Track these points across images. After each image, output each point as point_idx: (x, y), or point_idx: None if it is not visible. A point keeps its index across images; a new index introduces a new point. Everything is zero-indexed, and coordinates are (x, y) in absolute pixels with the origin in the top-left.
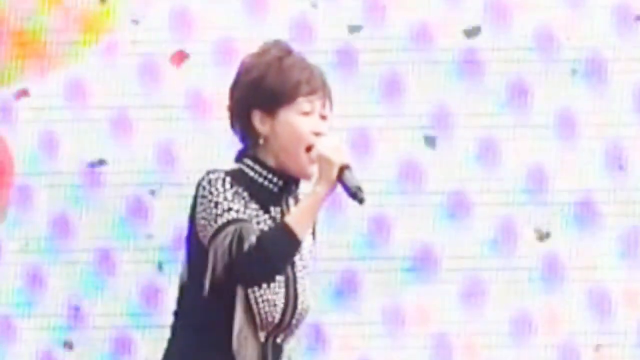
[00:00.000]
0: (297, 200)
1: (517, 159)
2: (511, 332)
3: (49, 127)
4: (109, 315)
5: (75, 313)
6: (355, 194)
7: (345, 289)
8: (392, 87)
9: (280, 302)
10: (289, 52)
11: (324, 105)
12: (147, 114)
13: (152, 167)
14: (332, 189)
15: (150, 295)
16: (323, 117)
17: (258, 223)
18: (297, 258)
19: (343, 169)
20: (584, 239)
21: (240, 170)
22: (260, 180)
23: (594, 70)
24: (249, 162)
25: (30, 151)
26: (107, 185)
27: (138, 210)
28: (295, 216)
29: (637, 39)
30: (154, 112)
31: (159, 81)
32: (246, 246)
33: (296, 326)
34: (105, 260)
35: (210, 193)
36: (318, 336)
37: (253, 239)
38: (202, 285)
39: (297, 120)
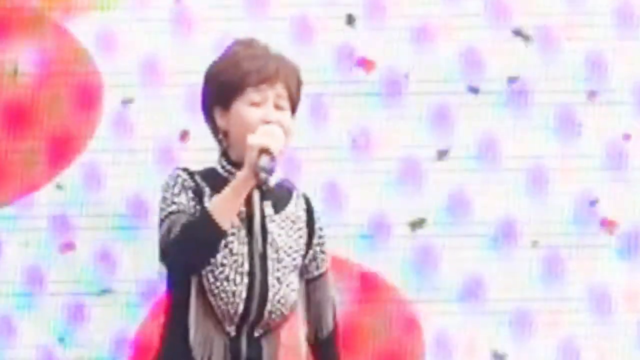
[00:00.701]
0: (261, 191)
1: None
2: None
3: None
4: None
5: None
6: (257, 174)
7: None
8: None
9: (241, 294)
10: (247, 45)
11: (279, 95)
12: None
13: None
14: (254, 173)
15: None
16: (278, 107)
17: None
18: (271, 251)
19: (261, 152)
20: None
21: (211, 168)
22: (225, 174)
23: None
24: (219, 158)
25: None
26: None
27: None
28: (214, 203)
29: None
30: None
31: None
32: (172, 235)
33: (274, 320)
34: None
35: (163, 190)
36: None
37: (178, 228)
38: (169, 288)
39: (246, 110)
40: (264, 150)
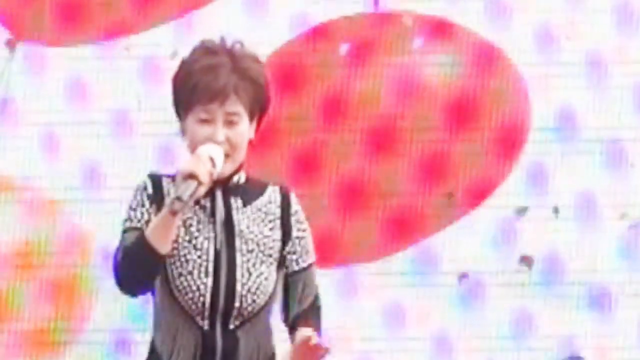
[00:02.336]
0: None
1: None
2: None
3: None
4: None
5: None
6: (172, 200)
7: None
8: None
9: (206, 286)
10: (206, 51)
11: (230, 112)
12: None
13: None
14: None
15: None
16: (230, 123)
17: (194, 212)
18: (239, 243)
19: (185, 177)
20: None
21: None
22: None
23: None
24: None
25: None
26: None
27: None
28: (150, 228)
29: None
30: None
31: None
32: (118, 258)
33: (248, 310)
34: None
35: (131, 197)
36: None
37: (122, 251)
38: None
39: (195, 127)
40: (191, 176)
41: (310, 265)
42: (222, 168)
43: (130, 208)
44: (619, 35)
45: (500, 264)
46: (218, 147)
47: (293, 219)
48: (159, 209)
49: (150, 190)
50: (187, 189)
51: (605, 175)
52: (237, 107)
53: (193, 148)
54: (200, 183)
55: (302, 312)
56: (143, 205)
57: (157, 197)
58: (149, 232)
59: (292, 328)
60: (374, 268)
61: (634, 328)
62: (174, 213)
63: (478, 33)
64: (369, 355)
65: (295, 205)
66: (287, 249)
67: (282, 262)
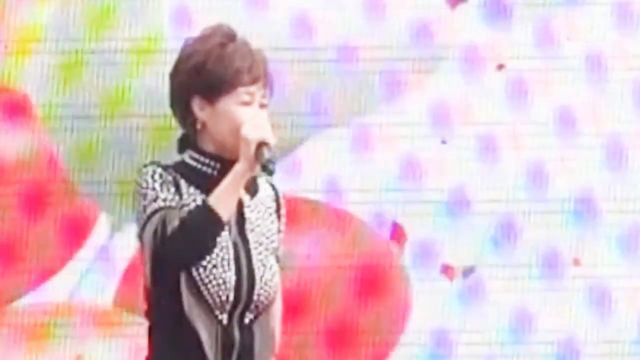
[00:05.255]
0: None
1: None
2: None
3: None
4: None
5: None
6: (265, 166)
7: None
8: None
9: (230, 280)
10: (231, 38)
11: (264, 95)
12: None
13: None
14: (252, 166)
15: None
16: (262, 106)
17: None
18: (252, 236)
19: (260, 145)
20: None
21: (181, 161)
22: (199, 166)
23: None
24: (190, 151)
25: None
26: None
27: None
28: (215, 195)
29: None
30: None
31: None
32: (169, 230)
33: (263, 305)
34: None
35: (140, 186)
36: None
37: (176, 222)
38: (154, 285)
39: (237, 110)
40: (262, 143)
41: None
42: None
43: (155, 190)
44: (619, 35)
45: (501, 259)
46: (266, 120)
47: (282, 211)
48: (179, 192)
49: (165, 174)
50: (269, 153)
51: (604, 171)
52: (267, 91)
53: (230, 129)
54: (271, 148)
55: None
56: (168, 188)
57: (174, 180)
58: (213, 201)
59: None
60: None
61: (634, 322)
62: (271, 172)
63: None
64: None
65: (281, 199)
66: (279, 238)
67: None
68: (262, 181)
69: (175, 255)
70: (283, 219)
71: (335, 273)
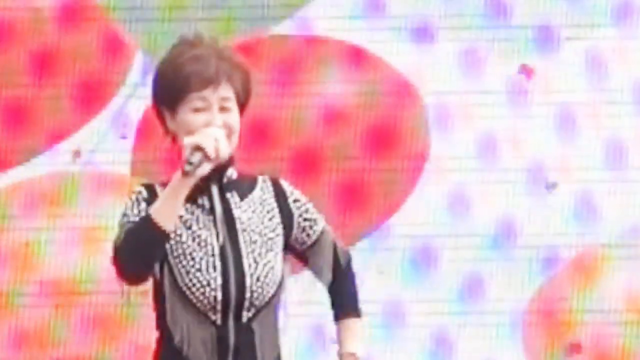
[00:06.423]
0: (221, 187)
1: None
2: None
3: None
4: None
5: None
6: (182, 167)
7: None
8: None
9: (216, 281)
10: (194, 44)
11: (224, 97)
12: None
13: None
14: (181, 168)
15: None
16: (223, 109)
17: (193, 213)
18: (243, 235)
19: (194, 150)
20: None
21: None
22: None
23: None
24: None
25: None
26: None
27: None
28: (155, 206)
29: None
30: None
31: None
32: (117, 243)
33: (259, 300)
34: None
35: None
36: None
37: (123, 234)
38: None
39: (190, 117)
40: (197, 148)
41: (322, 232)
42: (224, 150)
43: (126, 208)
44: (619, 34)
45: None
46: (219, 129)
47: (291, 203)
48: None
49: (145, 194)
50: (195, 157)
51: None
52: (230, 92)
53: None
54: (206, 156)
55: (339, 289)
56: (139, 205)
57: (152, 200)
58: (153, 211)
59: (334, 307)
60: None
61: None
62: (186, 174)
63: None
64: None
65: (288, 188)
66: (295, 231)
67: (294, 245)
68: (261, 180)
69: (119, 265)
70: (297, 205)
71: None
